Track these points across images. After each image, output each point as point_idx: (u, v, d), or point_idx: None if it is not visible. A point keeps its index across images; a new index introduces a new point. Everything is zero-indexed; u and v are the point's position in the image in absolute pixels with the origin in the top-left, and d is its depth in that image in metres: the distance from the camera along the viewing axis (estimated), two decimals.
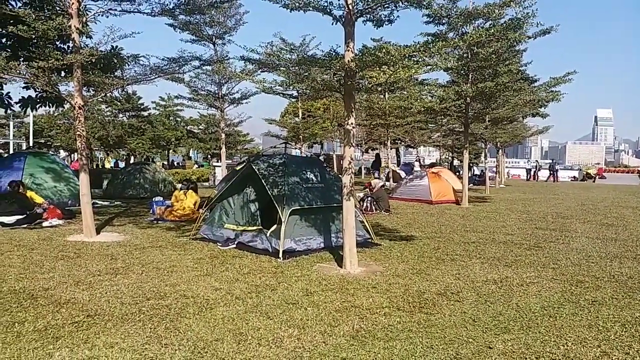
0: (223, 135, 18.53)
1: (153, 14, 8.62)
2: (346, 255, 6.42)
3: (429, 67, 5.47)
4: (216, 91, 17.23)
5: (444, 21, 14.42)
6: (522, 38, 10.94)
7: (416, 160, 34.07)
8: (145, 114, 41.65)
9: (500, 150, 30.35)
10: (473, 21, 12.01)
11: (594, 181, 39.54)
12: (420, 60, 5.40)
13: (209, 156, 46.51)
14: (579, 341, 4.11)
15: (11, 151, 34.15)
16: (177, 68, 9.28)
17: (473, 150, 34.87)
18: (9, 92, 13.05)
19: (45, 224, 9.78)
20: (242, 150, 47.12)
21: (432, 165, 28.82)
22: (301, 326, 4.35)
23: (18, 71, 8.12)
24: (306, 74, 6.71)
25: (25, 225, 9.54)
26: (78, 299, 5.03)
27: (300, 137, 25.45)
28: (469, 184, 18.23)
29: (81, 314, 4.58)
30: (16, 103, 12.85)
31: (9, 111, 14.87)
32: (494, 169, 30.15)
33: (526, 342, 4.07)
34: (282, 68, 7.19)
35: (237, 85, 17.50)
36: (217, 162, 32.57)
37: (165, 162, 44.51)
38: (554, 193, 23.15)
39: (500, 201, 18.00)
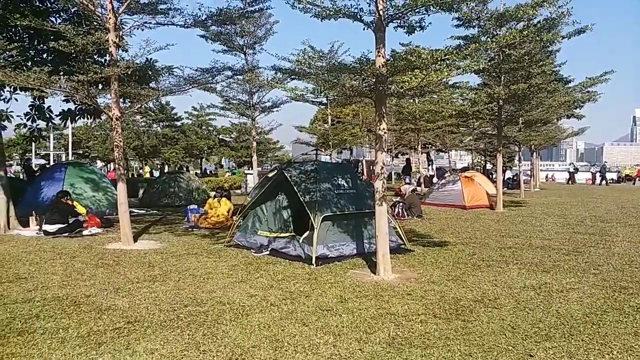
0: (254, 143, 18.74)
1: (186, 25, 8.83)
2: (379, 261, 6.39)
3: (461, 70, 5.41)
4: (247, 100, 17.46)
5: (474, 24, 14.31)
6: (555, 38, 10.71)
7: (447, 172, 33.48)
8: (179, 123, 42.63)
9: (534, 153, 29.69)
10: (504, 23, 11.85)
11: (633, 183, 38.19)
12: (452, 63, 5.35)
13: (237, 164, 47.08)
14: (625, 349, 3.98)
15: (51, 162, 35.40)
16: (210, 78, 9.47)
17: (506, 153, 34.19)
18: (49, 106, 13.54)
19: (85, 232, 10.10)
20: (273, 158, 47.58)
21: (464, 169, 28.41)
22: (337, 333, 4.34)
23: (59, 85, 8.43)
24: (335, 80, 6.74)
25: (66, 234, 9.86)
26: (118, 305, 5.16)
27: (330, 143, 25.54)
28: (502, 188, 17.87)
29: (122, 320, 4.69)
30: (57, 116, 13.32)
31: (49, 124, 15.40)
32: (528, 172, 29.48)
33: (569, 350, 3.96)
34: (312, 76, 7.25)
35: (267, 93, 17.72)
36: (249, 169, 32.94)
37: (198, 171, 45.26)
38: (592, 196, 22.46)
39: (536, 205, 17.59)
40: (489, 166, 39.05)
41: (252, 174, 22.18)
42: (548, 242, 9.28)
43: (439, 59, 5.16)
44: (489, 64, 14.44)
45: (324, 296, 5.50)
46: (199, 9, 8.58)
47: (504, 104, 15.48)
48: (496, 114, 15.81)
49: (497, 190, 16.17)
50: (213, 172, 46.19)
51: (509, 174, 33.65)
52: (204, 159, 51.01)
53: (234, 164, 49.88)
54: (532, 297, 5.48)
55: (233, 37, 16.07)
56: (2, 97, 12.32)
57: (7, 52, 7.90)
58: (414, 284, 6.03)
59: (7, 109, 12.08)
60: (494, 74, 15.48)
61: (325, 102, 23.08)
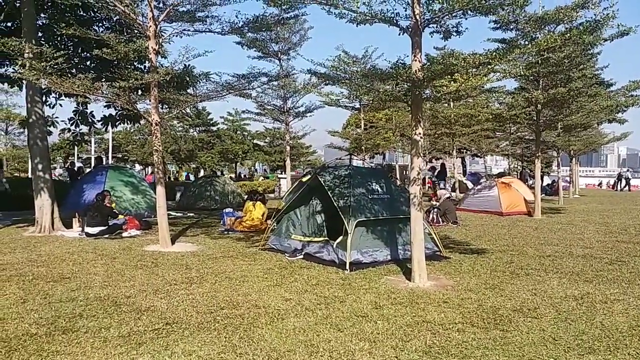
0: (288, 148, 18.89)
1: (223, 32, 8.99)
2: (415, 268, 6.32)
3: (502, 74, 5.32)
4: (281, 105, 17.62)
5: (511, 27, 14.02)
6: (597, 41, 10.38)
7: (483, 177, 32.82)
8: (214, 128, 43.35)
9: (573, 159, 28.82)
10: (544, 26, 11.57)
11: None
12: (493, 67, 5.26)
13: (270, 168, 47.44)
14: None
15: (92, 165, 36.53)
16: (246, 84, 9.61)
17: (544, 159, 33.31)
18: (92, 111, 14.04)
19: (124, 234, 10.38)
20: (305, 162, 47.78)
21: (500, 175, 27.82)
22: (372, 340, 4.32)
23: (101, 91, 8.72)
24: (369, 85, 6.73)
25: (106, 236, 10.16)
26: (157, 306, 5.27)
27: (363, 148, 25.45)
28: (540, 194, 17.41)
29: (160, 321, 4.79)
30: (99, 121, 13.80)
31: (91, 128, 15.94)
32: (567, 178, 28.63)
33: None
34: (347, 81, 7.26)
35: (301, 98, 17.84)
36: (281, 173, 33.19)
37: (233, 175, 45.88)
38: (635, 203, 21.63)
39: (576, 212, 17.06)
40: (526, 171, 38.14)
41: (285, 178, 22.35)
42: (589, 250, 8.98)
43: (481, 62, 5.08)
44: (530, 71, 14.13)
45: (359, 302, 5.48)
46: (236, 16, 8.73)
47: (543, 108, 15.08)
48: (534, 118, 15.43)
49: (535, 196, 15.76)
50: (247, 176, 46.74)
51: (546, 180, 32.76)
52: (238, 163, 51.67)
53: (266, 168, 50.35)
54: (574, 308, 5.31)
55: (268, 43, 16.29)
56: (48, 103, 12.84)
57: (54, 60, 8.20)
58: (450, 291, 5.94)
59: (52, 114, 12.55)
60: (531, 77, 15.12)
61: (359, 106, 23.03)
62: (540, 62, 14.06)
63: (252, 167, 58.10)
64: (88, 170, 18.05)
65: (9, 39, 8.39)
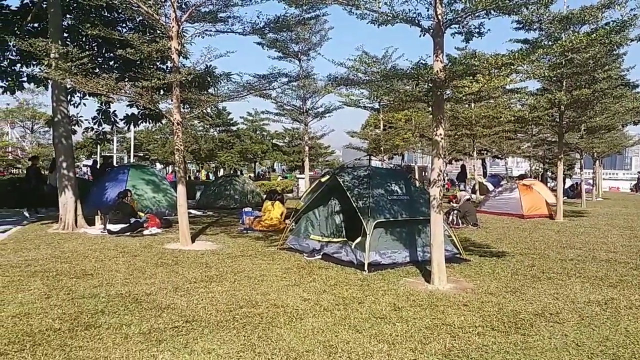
0: (307, 148, 18.95)
1: (245, 33, 9.06)
2: (434, 270, 6.27)
3: (525, 75, 5.24)
4: (301, 106, 17.68)
5: (534, 27, 13.81)
6: (624, 41, 10.17)
7: (504, 179, 32.35)
8: (234, 128, 43.70)
9: (597, 161, 28.28)
10: (568, 26, 11.38)
11: None
12: (516, 68, 5.18)
13: (289, 168, 47.58)
14: None
15: (114, 164, 37.08)
16: (267, 84, 9.66)
17: (566, 161, 32.73)
18: (115, 110, 14.28)
19: (145, 232, 10.52)
20: (324, 162, 47.83)
21: (521, 177, 27.42)
22: (391, 342, 4.30)
23: (124, 91, 8.85)
24: (389, 85, 6.70)
25: (128, 233, 10.31)
26: (177, 304, 5.33)
27: (382, 148, 25.35)
28: (562, 197, 17.11)
29: (180, 319, 4.84)
30: (121, 120, 14.02)
31: (114, 127, 16.21)
32: (590, 181, 28.10)
33: None
34: (368, 82, 7.24)
35: (320, 99, 17.88)
36: (300, 173, 33.26)
37: (252, 174, 46.19)
38: None
39: (599, 215, 16.72)
40: (547, 174, 37.55)
41: (303, 178, 22.40)
42: (613, 254, 8.80)
43: (504, 63, 5.01)
44: (551, 69, 13.91)
45: (377, 303, 5.46)
46: (258, 16, 8.78)
47: (566, 109, 14.82)
48: (557, 120, 15.17)
49: (557, 199, 15.50)
50: (266, 176, 46.98)
51: (568, 183, 32.20)
52: (257, 163, 51.97)
53: (284, 167, 50.53)
54: (598, 313, 5.21)
55: (288, 43, 16.38)
56: (72, 102, 13.09)
57: (79, 60, 8.36)
58: (470, 294, 5.87)
59: (77, 113, 12.78)
60: (555, 78, 14.87)
61: (378, 107, 22.97)
62: (564, 62, 13.84)
63: (268, 167, 58.30)
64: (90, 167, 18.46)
65: (36, 40, 8.58)
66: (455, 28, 6.23)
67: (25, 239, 9.66)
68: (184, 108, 10.20)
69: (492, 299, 5.68)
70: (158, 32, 9.93)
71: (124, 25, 12.77)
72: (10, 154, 51.24)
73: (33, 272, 6.75)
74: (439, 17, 5.80)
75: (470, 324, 4.80)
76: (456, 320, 4.88)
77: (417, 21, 5.93)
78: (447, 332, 4.57)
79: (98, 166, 20.03)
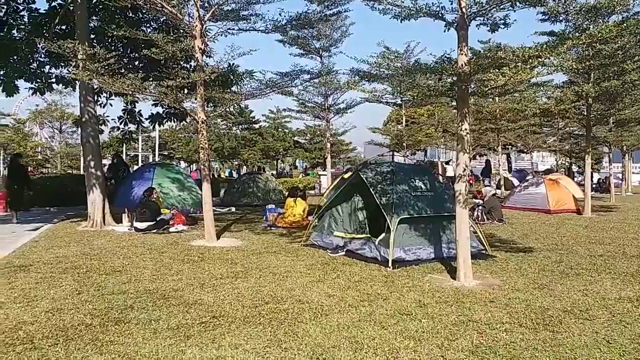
0: (328, 145, 18.95)
1: (267, 31, 9.10)
2: (460, 266, 6.21)
3: (553, 68, 5.14)
4: (322, 102, 17.68)
5: (560, 18, 13.48)
6: None
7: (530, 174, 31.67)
8: (256, 126, 44.00)
9: (626, 155, 27.59)
10: (596, 17, 11.09)
11: None
12: (544, 60, 5.09)
13: (310, 165, 47.67)
14: None
15: (139, 163, 37.77)
16: (289, 82, 9.70)
17: (594, 154, 31.99)
18: (140, 110, 14.53)
19: (171, 229, 10.69)
20: (345, 159, 47.79)
21: (547, 171, 26.92)
22: (417, 338, 4.28)
23: (149, 90, 8.99)
24: (411, 80, 6.65)
25: (154, 231, 10.48)
26: (204, 300, 5.40)
27: (404, 144, 25.21)
28: (591, 192, 16.74)
29: (207, 314, 4.91)
30: (147, 119, 14.25)
31: (139, 126, 16.49)
32: (619, 175, 27.42)
33: None
34: (390, 77, 7.20)
35: (342, 95, 17.84)
36: (322, 170, 33.30)
37: (274, 172, 46.47)
38: None
39: (629, 210, 16.32)
40: (574, 168, 36.78)
41: (325, 175, 22.42)
42: None
43: (531, 55, 4.92)
44: (578, 61, 13.60)
45: (402, 300, 5.44)
46: (280, 14, 8.82)
47: (594, 102, 14.49)
48: (584, 113, 14.85)
49: (585, 194, 15.17)
50: (289, 173, 47.17)
51: (595, 177, 31.47)
52: (279, 160, 52.27)
53: (306, 164, 50.68)
54: (629, 310, 5.09)
55: (310, 40, 16.38)
56: (99, 103, 13.36)
57: (106, 61, 8.52)
58: (496, 291, 5.80)
59: (103, 113, 13.05)
60: (581, 70, 14.54)
61: (400, 102, 22.84)
62: (591, 54, 13.51)
63: (290, 164, 58.46)
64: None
65: (64, 42, 8.77)
66: (480, 20, 6.15)
67: (56, 236, 9.92)
68: (207, 107, 10.30)
69: (519, 296, 5.60)
70: (182, 31, 10.05)
71: (148, 25, 12.97)
72: (39, 154, 52.61)
73: (64, 268, 6.93)
74: (463, 9, 5.73)
75: (497, 320, 4.74)
76: (483, 317, 4.83)
77: (440, 15, 5.87)
78: (474, 328, 4.52)
79: (115, 161, 19.43)
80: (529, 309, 5.11)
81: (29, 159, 53.10)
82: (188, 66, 12.57)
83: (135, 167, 20.77)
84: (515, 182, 24.60)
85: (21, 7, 12.08)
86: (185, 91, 10.41)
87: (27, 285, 5.97)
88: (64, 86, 13.93)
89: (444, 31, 5.93)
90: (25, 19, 12.19)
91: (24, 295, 5.54)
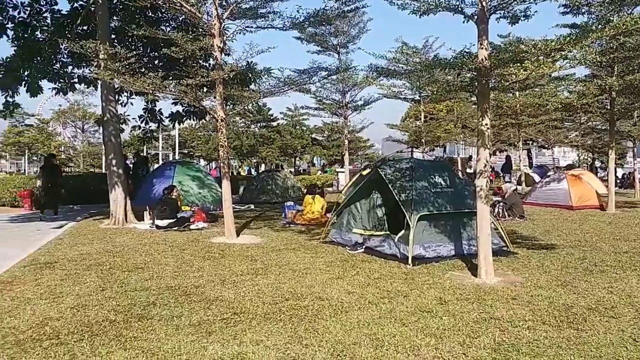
0: (346, 142, 18.91)
1: (285, 28, 9.11)
2: (481, 263, 6.15)
3: (576, 61, 5.04)
4: (340, 99, 17.64)
5: (583, 10, 13.21)
6: None
7: (551, 170, 31.19)
8: (274, 124, 44.14)
9: None
10: (620, 8, 10.84)
11: None
12: (567, 53, 4.99)
13: (328, 162, 47.65)
14: None
15: (160, 161, 38.22)
16: (307, 79, 9.70)
17: (617, 149, 31.29)
18: (160, 109, 14.70)
19: (192, 226, 10.80)
20: (363, 156, 47.64)
21: (569, 167, 26.44)
22: (438, 335, 4.25)
23: (169, 89, 9.08)
24: (429, 76, 6.59)
25: (175, 228, 10.60)
26: (225, 297, 5.45)
27: (423, 140, 25.00)
28: (614, 187, 16.38)
29: (229, 311, 4.95)
30: (166, 118, 14.41)
31: (160, 125, 16.68)
32: None
33: None
34: (409, 73, 7.15)
35: (360, 92, 17.79)
36: (340, 167, 33.26)
37: (292, 169, 46.59)
38: None
39: None
40: (596, 163, 36.05)
41: (343, 172, 22.38)
42: None
43: (555, 49, 4.83)
44: (602, 53, 13.32)
45: (423, 297, 5.41)
46: (298, 11, 8.81)
47: (617, 96, 14.17)
48: (607, 107, 14.53)
49: (608, 189, 14.87)
50: (306, 170, 47.24)
51: (620, 172, 30.78)
52: (297, 158, 52.34)
53: (324, 162, 50.70)
54: None
55: (327, 37, 16.36)
56: (120, 102, 13.55)
57: (127, 60, 8.63)
58: (518, 288, 5.73)
59: (124, 112, 13.23)
60: (605, 63, 14.22)
61: (418, 98, 22.65)
62: (615, 47, 13.21)
63: (309, 162, 58.51)
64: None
65: (86, 42, 8.91)
66: (500, 13, 6.06)
67: (80, 234, 10.10)
68: (226, 105, 10.37)
69: (542, 293, 5.52)
70: (200, 30, 10.12)
71: (167, 24, 13.11)
72: (63, 153, 53.62)
73: (88, 265, 7.06)
74: (483, 3, 5.66)
75: (519, 317, 4.69)
76: (505, 314, 4.78)
77: (460, 8, 5.80)
78: (496, 326, 4.48)
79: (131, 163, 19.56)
80: (552, 306, 5.04)
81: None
82: (207, 65, 12.67)
83: (156, 166, 21.03)
84: (536, 177, 24.26)
85: (44, 9, 12.30)
86: (205, 89, 10.49)
87: (53, 282, 6.10)
88: (86, 86, 14.16)
89: (464, 22, 5.85)
90: (48, 21, 12.41)
91: (49, 292, 5.67)
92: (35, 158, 55.79)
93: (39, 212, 13.80)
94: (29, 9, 12.06)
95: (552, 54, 4.97)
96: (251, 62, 10.38)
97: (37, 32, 12.30)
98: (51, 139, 53.95)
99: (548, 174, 22.31)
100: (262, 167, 44.13)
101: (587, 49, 5.55)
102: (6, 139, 52.59)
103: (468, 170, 26.32)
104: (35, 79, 12.41)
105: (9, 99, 12.73)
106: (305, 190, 14.68)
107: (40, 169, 15.94)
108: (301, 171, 45.35)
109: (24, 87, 12.48)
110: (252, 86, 10.82)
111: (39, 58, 12.23)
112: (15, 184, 17.09)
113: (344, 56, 17.15)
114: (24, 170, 56.95)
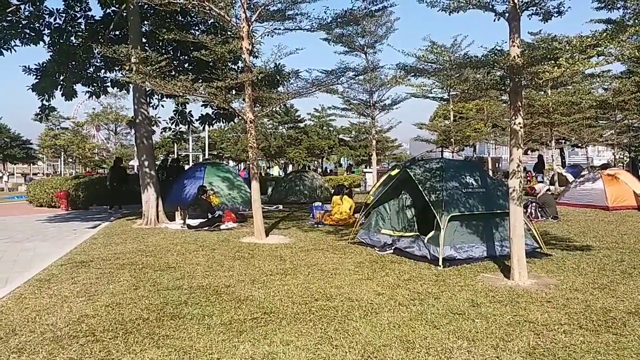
0: (374, 142, 18.81)
1: (312, 29, 9.13)
2: (514, 265, 6.02)
3: (613, 57, 4.89)
4: (367, 99, 17.56)
5: (618, 5, 12.81)
6: None
7: (585, 169, 30.34)
8: (302, 125, 44.31)
9: None
10: None
11: None
12: (603, 49, 4.84)
13: (355, 163, 47.50)
14: None
15: (190, 162, 38.81)
16: (334, 80, 9.69)
17: None
18: (190, 111, 14.93)
19: (222, 226, 10.94)
20: (391, 156, 47.32)
21: (604, 166, 25.67)
22: (470, 338, 4.18)
23: (199, 92, 9.21)
24: (458, 75, 6.48)
25: (206, 228, 10.75)
26: (255, 296, 5.49)
27: (452, 140, 24.68)
28: None
29: (259, 310, 4.98)
30: (197, 120, 14.63)
31: (190, 127, 16.94)
32: None
33: None
34: (438, 72, 7.05)
35: (387, 91, 17.66)
36: (367, 168, 33.12)
37: (320, 170, 46.66)
38: None
39: None
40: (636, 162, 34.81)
41: (371, 172, 22.27)
42: None
43: (590, 45, 4.70)
44: (638, 48, 12.90)
45: (454, 299, 5.33)
46: (325, 12, 8.82)
47: None
48: None
49: None
50: (334, 171, 47.23)
51: None
52: (324, 158, 52.39)
53: (351, 162, 50.60)
54: None
55: (354, 37, 16.30)
56: (151, 104, 13.83)
57: (158, 64, 8.79)
58: (553, 290, 5.59)
59: (155, 114, 13.50)
60: None
61: (447, 97, 22.38)
62: None
63: (335, 162, 58.45)
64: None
65: (118, 46, 9.12)
66: (532, 10, 5.92)
67: (113, 233, 10.34)
68: (255, 107, 10.46)
69: (578, 296, 5.37)
70: (229, 33, 10.23)
71: (196, 28, 13.30)
72: (96, 155, 55.09)
73: (122, 264, 7.21)
74: (515, 0, 5.54)
75: (555, 321, 4.57)
76: (539, 318, 4.66)
77: (491, 5, 5.70)
78: (530, 329, 4.37)
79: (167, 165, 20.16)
80: (589, 309, 4.90)
81: (86, 160, 55.89)
82: (236, 67, 12.81)
83: (186, 167, 21.39)
84: (570, 177, 23.62)
85: (79, 15, 12.66)
86: (234, 92, 10.59)
87: (88, 281, 6.27)
88: (118, 89, 14.53)
89: (494, 20, 5.74)
90: (83, 26, 12.77)
91: (85, 290, 5.82)
92: (70, 160, 57.49)
93: (107, 207, 15.79)
94: (64, 15, 12.43)
95: (587, 50, 4.83)
96: (279, 64, 10.45)
97: (72, 38, 12.67)
98: (85, 142, 55.50)
99: (582, 173, 21.72)
100: (290, 168, 44.34)
101: (623, 44, 5.37)
102: (43, 141, 54.39)
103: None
104: (70, 83, 12.79)
105: (45, 102, 13.16)
106: (333, 191, 14.65)
107: (110, 169, 17.61)
108: (329, 172, 45.40)
109: (60, 91, 12.87)
110: (280, 88, 10.88)
111: (73, 63, 12.60)
112: (52, 185, 17.62)
113: (371, 56, 17.07)
114: (60, 171, 58.75)
